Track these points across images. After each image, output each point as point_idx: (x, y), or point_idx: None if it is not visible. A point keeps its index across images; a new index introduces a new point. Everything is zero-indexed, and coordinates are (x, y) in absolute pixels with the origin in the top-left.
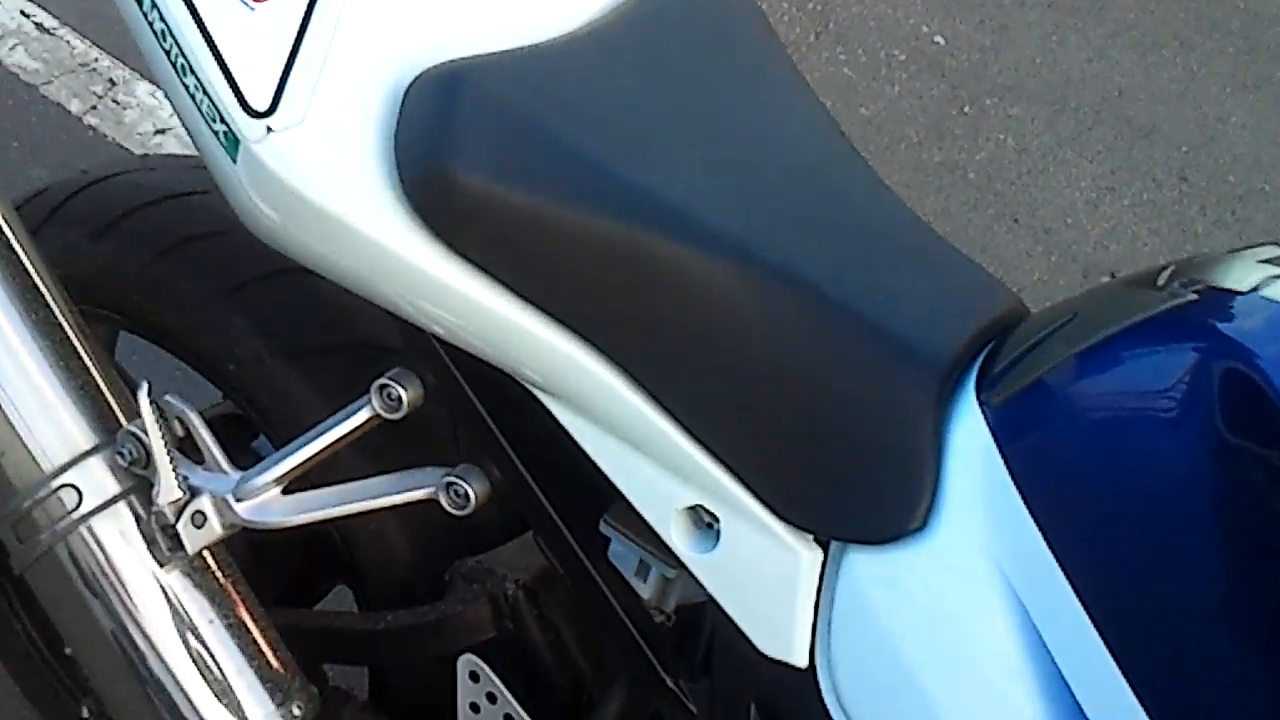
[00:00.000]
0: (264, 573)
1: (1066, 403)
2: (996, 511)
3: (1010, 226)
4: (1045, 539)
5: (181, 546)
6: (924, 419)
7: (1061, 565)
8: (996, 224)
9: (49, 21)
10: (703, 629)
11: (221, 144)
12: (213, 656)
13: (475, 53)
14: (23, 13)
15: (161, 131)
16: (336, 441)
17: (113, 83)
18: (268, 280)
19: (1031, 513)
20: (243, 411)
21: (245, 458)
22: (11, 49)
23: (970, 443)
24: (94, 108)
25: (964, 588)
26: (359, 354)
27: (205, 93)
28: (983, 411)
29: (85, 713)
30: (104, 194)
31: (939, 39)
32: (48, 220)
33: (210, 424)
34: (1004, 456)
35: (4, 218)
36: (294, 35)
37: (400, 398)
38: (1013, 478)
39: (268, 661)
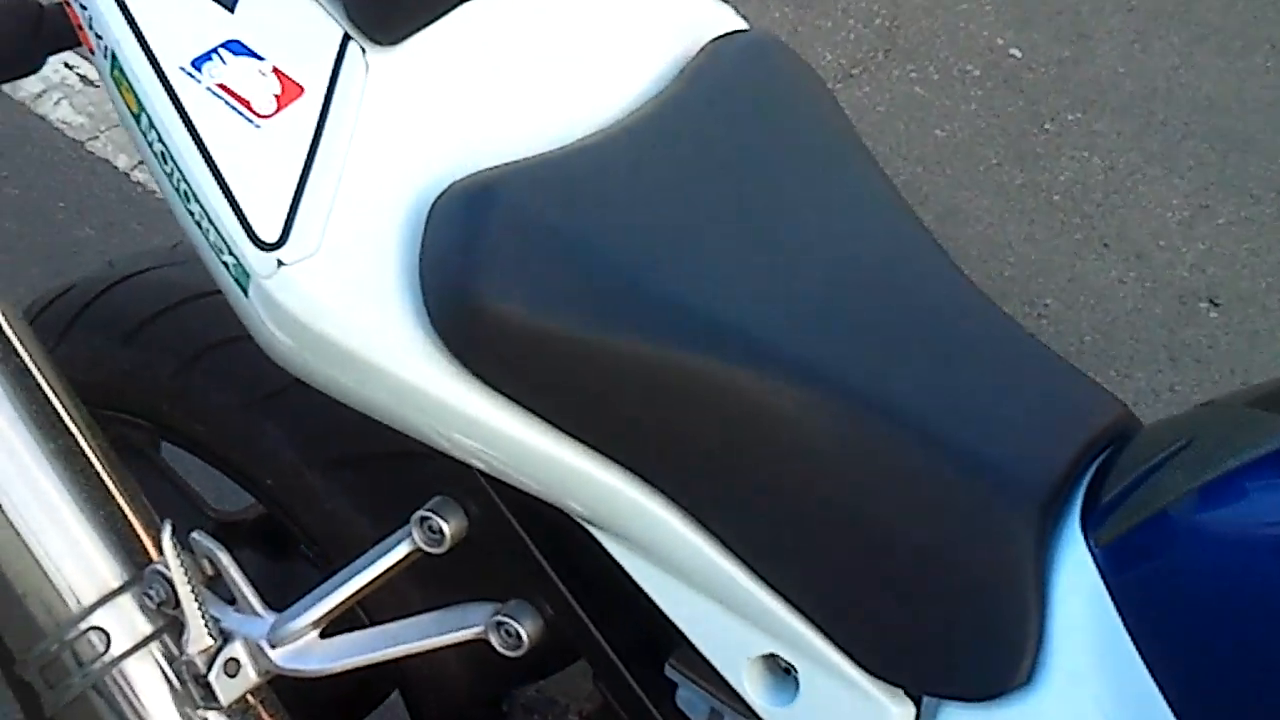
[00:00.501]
0: (315, 688)
1: (1189, 542)
2: (1108, 664)
3: (1100, 252)
4: (1164, 695)
5: (215, 697)
6: (1024, 558)
7: None
8: (1085, 249)
9: (93, 74)
10: None
11: (231, 275)
12: None
13: (505, 159)
14: (66, 64)
15: None
16: (376, 579)
17: None
18: (303, 387)
19: (1148, 665)
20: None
21: (294, 561)
22: (56, 104)
23: (1077, 585)
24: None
25: None
26: (402, 463)
27: (210, 222)
28: (1090, 549)
29: None
30: (131, 293)
31: (1015, 51)
32: (73, 322)
33: (259, 545)
34: (1116, 602)
35: (18, 335)
36: (305, 154)
37: (442, 530)
38: (1126, 626)
39: None
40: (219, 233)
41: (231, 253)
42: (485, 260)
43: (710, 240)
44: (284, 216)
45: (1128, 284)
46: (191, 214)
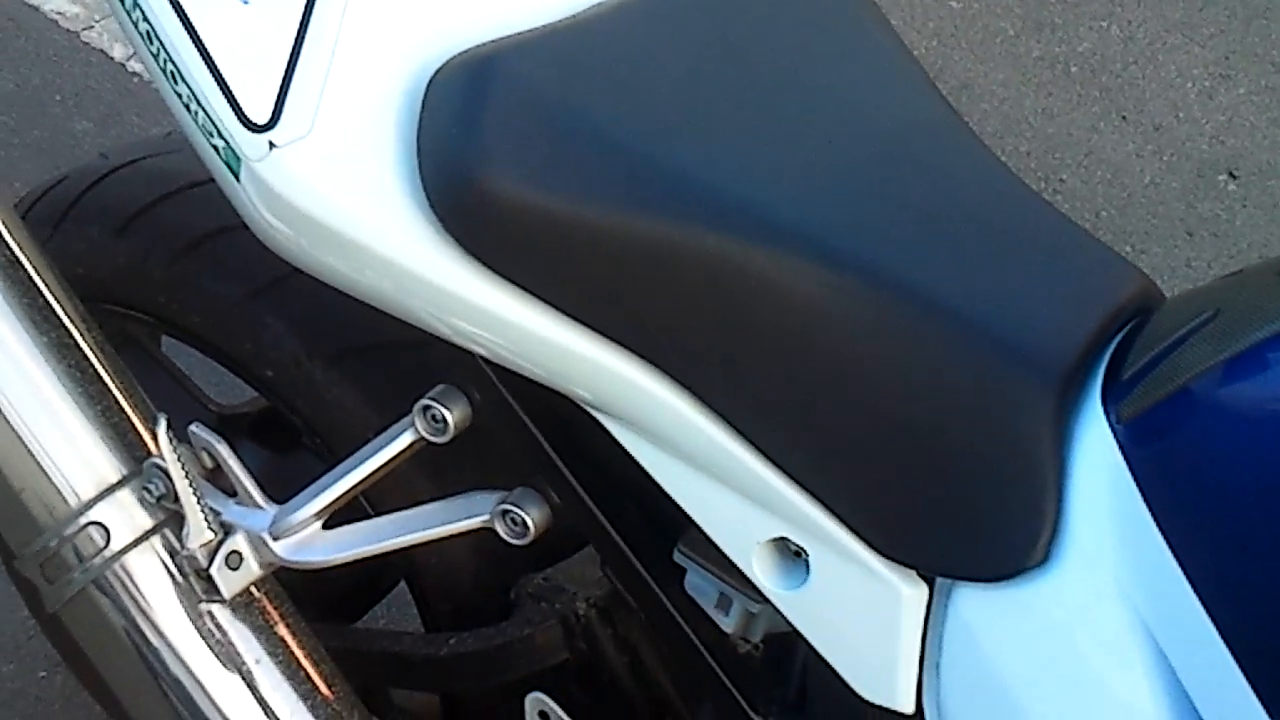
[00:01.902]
0: (320, 580)
1: (1215, 417)
2: (1128, 542)
3: (1118, 125)
4: (1185, 573)
5: (218, 590)
6: (1043, 435)
7: (1204, 602)
8: (1103, 122)
9: None
10: (794, 661)
11: (222, 159)
12: (265, 699)
13: (506, 33)
14: None
15: None
16: (379, 469)
17: None
18: (301, 276)
19: (1170, 544)
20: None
21: (297, 454)
22: None
23: (1098, 463)
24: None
25: (1091, 628)
26: (405, 353)
27: (199, 104)
28: (1111, 425)
29: None
30: (124, 184)
31: None
32: (67, 214)
33: (262, 438)
34: (1137, 479)
35: (9, 229)
36: (295, 32)
37: (446, 419)
38: (1148, 504)
39: (324, 699)
40: (208, 115)
41: (221, 135)
42: (486, 138)
43: (722, 116)
44: (275, 96)
45: (1145, 157)
46: (179, 96)
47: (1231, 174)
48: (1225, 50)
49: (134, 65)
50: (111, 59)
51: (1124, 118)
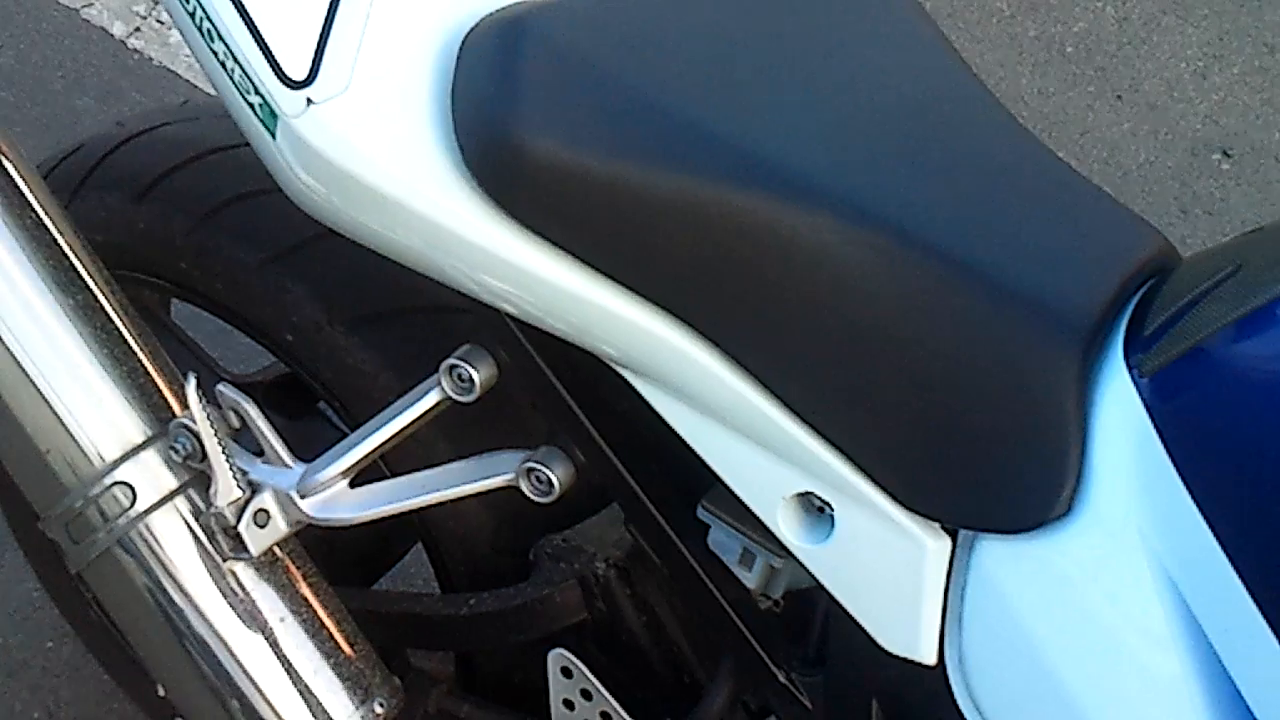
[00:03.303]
0: (337, 543)
1: (1235, 370)
2: (1150, 494)
3: (1113, 104)
4: (1208, 524)
5: (245, 548)
6: (1066, 389)
7: (1226, 553)
8: (1098, 101)
9: None
10: (815, 617)
11: (258, 117)
12: (288, 658)
13: None
14: None
15: None
16: (405, 428)
17: (156, 2)
18: (323, 241)
19: (1192, 495)
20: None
21: (310, 421)
22: None
23: (1120, 416)
24: (138, 29)
25: (1114, 579)
26: (427, 318)
27: (236, 61)
28: (1134, 380)
29: (161, 692)
30: (142, 151)
31: None
32: (84, 182)
33: (277, 405)
34: (1159, 432)
35: (33, 190)
36: None
37: (472, 379)
38: (1170, 456)
39: (346, 658)
40: (245, 72)
41: (258, 92)
42: (520, 95)
43: (752, 77)
44: (312, 52)
45: (1140, 136)
46: (215, 54)
47: (1225, 153)
48: (1219, 31)
49: (134, 42)
50: (111, 36)
51: (1119, 97)
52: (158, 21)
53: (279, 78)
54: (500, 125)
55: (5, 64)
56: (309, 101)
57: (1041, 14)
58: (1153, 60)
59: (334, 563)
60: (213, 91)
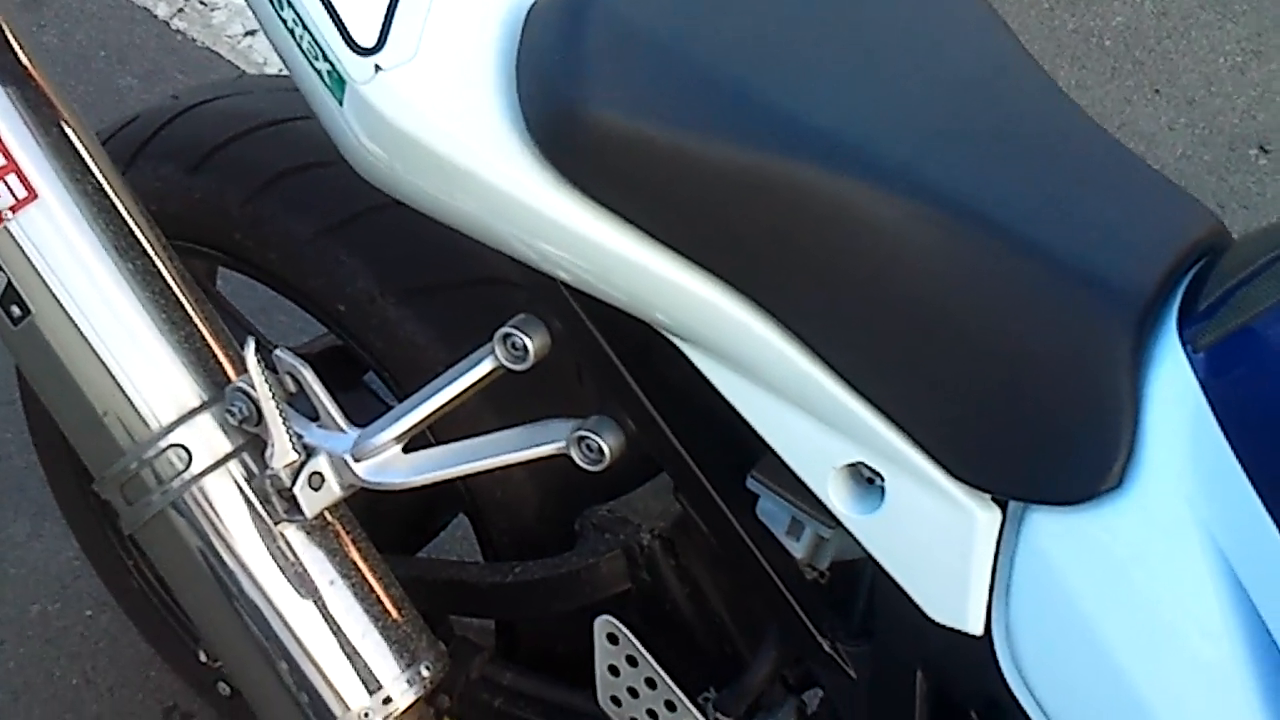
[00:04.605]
0: (381, 512)
1: None
2: (1203, 467)
3: (1150, 98)
4: (1260, 498)
5: (299, 509)
6: (1120, 363)
7: (1279, 527)
8: (1136, 95)
9: None
10: (861, 588)
11: (325, 84)
12: (336, 620)
13: None
14: None
15: (251, 33)
16: (458, 396)
17: None
18: (378, 214)
19: (1245, 469)
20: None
21: (355, 394)
22: None
23: (1173, 390)
24: (181, 10)
25: (1164, 551)
26: (479, 291)
27: (305, 28)
28: (1188, 355)
29: (203, 657)
30: (197, 123)
31: None
32: (139, 153)
33: (323, 378)
34: (1213, 406)
35: (94, 157)
36: None
37: (526, 347)
38: (1223, 430)
39: (394, 622)
40: (313, 38)
41: (326, 59)
42: (585, 65)
43: (814, 51)
44: (381, 20)
45: (1178, 130)
46: (284, 21)
47: (1263, 148)
48: (1258, 26)
49: (177, 24)
50: (155, 17)
51: (1157, 91)
52: (201, 3)
53: (348, 44)
54: (564, 94)
55: (49, 43)
56: (377, 68)
57: (1081, 7)
58: (1191, 55)
59: (378, 531)
60: (256, 72)
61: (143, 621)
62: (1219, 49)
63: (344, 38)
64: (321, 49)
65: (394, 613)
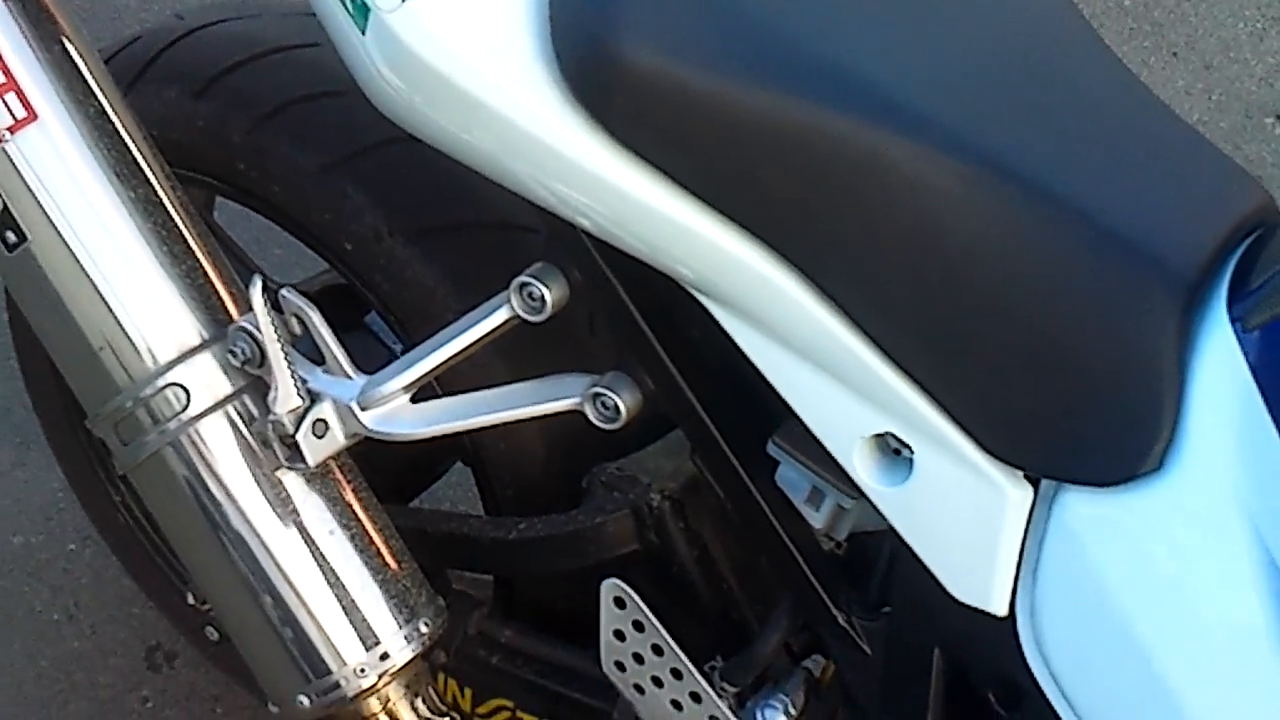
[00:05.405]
0: (375, 459)
1: None
2: (1249, 455)
3: (1168, 61)
4: None
5: (300, 456)
6: (1166, 340)
7: None
8: (1153, 58)
9: None
10: (880, 562)
11: (348, 10)
12: (334, 571)
13: None
14: None
15: None
16: (471, 346)
17: None
18: (388, 148)
19: None
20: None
21: (356, 334)
22: None
23: (1221, 370)
24: None
25: (1203, 538)
26: (492, 235)
27: None
28: (1237, 334)
29: (191, 600)
30: (203, 46)
31: None
32: (141, 75)
33: (330, 321)
34: (1262, 390)
35: (97, 78)
36: None
37: (543, 298)
38: (1272, 414)
39: (393, 575)
40: None
41: None
42: (622, 3)
43: (860, 3)
44: None
45: (1194, 95)
46: None
47: (1279, 117)
48: None
49: None
50: None
51: (1174, 54)
52: None
53: None
54: (599, 32)
55: None
56: None
57: None
58: (1210, 19)
59: (373, 476)
60: None
61: (129, 559)
62: (1238, 14)
63: None
64: None
65: (394, 565)
